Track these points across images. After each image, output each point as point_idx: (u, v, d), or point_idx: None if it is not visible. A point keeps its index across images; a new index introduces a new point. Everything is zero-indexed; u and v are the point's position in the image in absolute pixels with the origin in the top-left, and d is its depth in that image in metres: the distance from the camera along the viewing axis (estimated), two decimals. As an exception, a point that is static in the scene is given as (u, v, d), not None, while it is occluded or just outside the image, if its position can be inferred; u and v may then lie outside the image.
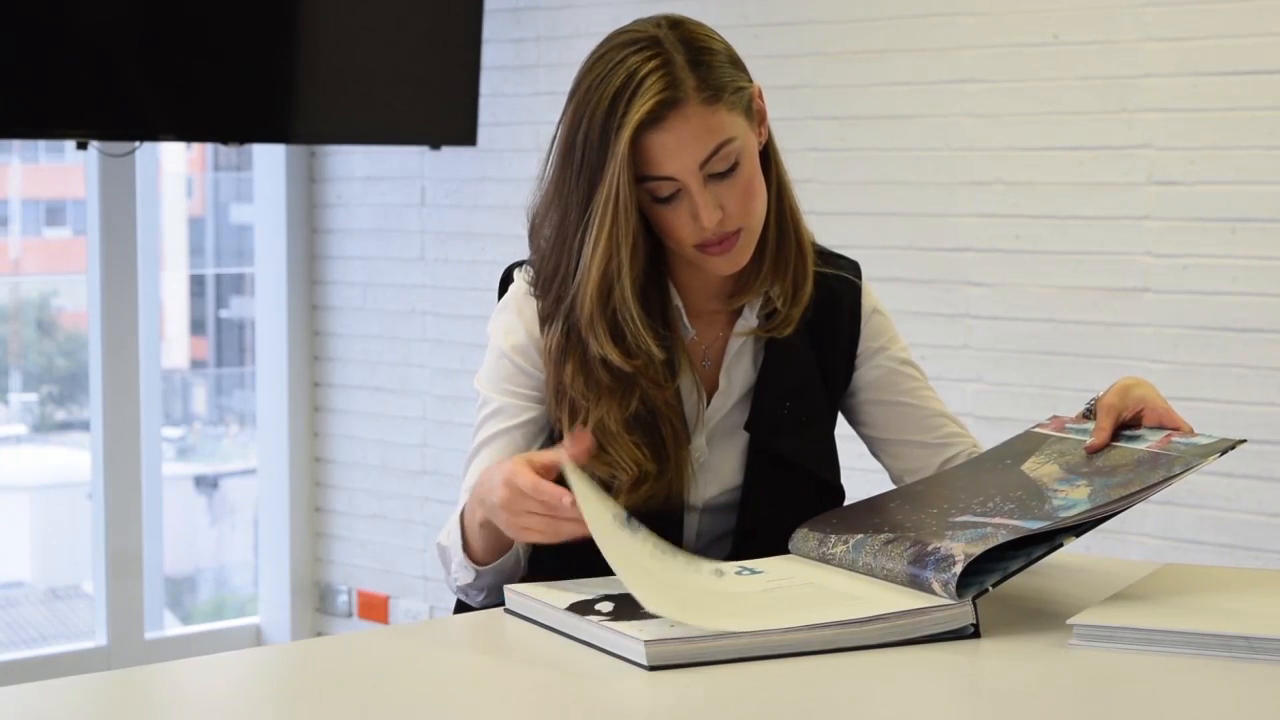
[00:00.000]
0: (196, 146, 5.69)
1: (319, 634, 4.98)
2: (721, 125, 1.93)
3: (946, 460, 2.14)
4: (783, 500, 2.03)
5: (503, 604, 1.86)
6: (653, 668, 1.59)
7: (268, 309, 5.01)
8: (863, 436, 2.20)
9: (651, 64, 1.92)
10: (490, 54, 4.50)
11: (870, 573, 1.79)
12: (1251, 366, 3.36)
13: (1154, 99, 3.45)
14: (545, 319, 2.02)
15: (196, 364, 6.04)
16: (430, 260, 4.73)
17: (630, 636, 1.61)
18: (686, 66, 1.93)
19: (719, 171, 1.95)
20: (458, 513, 1.98)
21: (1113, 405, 1.92)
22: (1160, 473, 1.80)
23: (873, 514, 1.92)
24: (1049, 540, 1.75)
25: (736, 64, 1.98)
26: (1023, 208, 3.63)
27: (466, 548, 1.95)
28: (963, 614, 1.69)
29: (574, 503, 1.69)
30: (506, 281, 2.11)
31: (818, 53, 3.91)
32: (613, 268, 1.94)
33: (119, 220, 4.57)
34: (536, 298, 2.04)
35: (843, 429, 2.17)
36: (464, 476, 2.05)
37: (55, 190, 5.68)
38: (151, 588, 4.75)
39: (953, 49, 3.70)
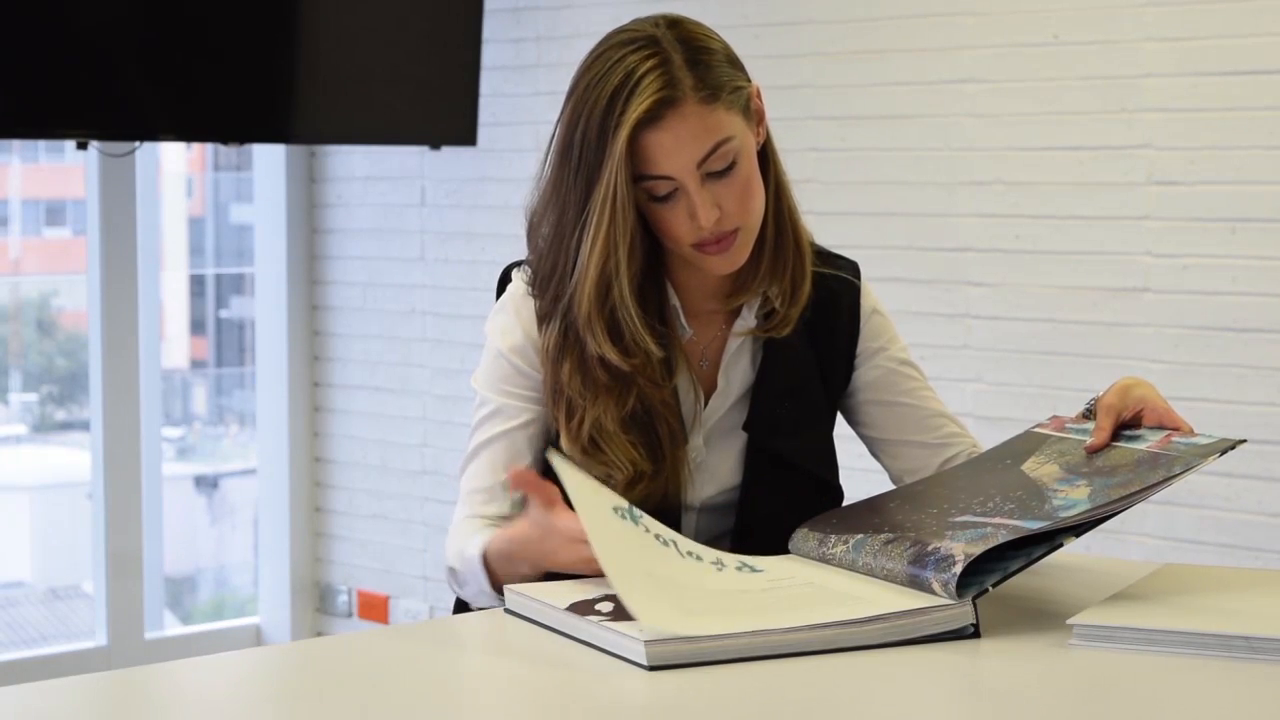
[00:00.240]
0: (196, 146, 5.69)
1: (319, 634, 4.98)
2: (719, 124, 1.93)
3: (946, 460, 2.14)
4: (781, 500, 2.03)
5: (503, 604, 1.86)
6: (653, 668, 1.58)
7: (268, 309, 5.01)
8: (862, 437, 2.19)
9: (649, 63, 1.92)
10: (490, 54, 4.50)
11: (870, 573, 1.79)
12: (1251, 366, 3.36)
13: (1154, 99, 3.45)
14: (543, 318, 2.02)
15: (196, 364, 6.03)
16: (430, 260, 4.73)
17: (630, 636, 1.61)
18: (684, 66, 1.93)
19: (716, 170, 1.94)
20: (473, 549, 1.94)
21: (1113, 405, 1.92)
22: (1160, 473, 1.80)
23: (873, 514, 1.92)
24: (1049, 540, 1.75)
25: (734, 63, 1.98)
26: (1023, 208, 3.63)
27: (493, 581, 1.93)
28: (963, 614, 1.69)
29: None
30: (505, 281, 2.11)
31: (818, 53, 3.91)
32: (610, 266, 1.94)
33: (119, 220, 4.57)
34: (534, 297, 2.03)
35: (842, 429, 2.17)
36: (462, 476, 2.05)
37: (55, 190, 5.67)
38: (151, 588, 4.75)
39: (953, 49, 3.70)
